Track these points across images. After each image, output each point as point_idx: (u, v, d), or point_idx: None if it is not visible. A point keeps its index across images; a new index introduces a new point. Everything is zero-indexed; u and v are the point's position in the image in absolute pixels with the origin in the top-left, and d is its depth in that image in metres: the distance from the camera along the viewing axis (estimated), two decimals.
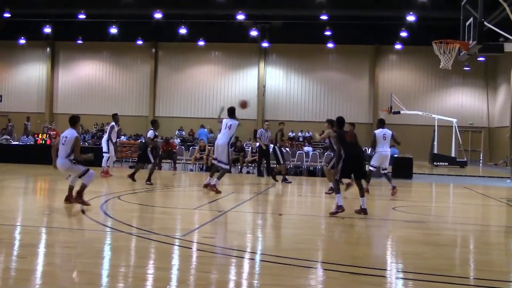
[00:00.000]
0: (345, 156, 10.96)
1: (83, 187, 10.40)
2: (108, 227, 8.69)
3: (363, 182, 12.42)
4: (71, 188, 10.71)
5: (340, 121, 11.72)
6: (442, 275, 6.11)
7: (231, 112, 14.46)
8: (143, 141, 15.49)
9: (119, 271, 6.12)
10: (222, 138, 14.09)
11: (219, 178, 13.95)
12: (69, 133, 10.51)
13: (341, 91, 40.99)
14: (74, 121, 10.70)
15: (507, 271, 6.97)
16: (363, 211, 10.72)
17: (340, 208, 10.49)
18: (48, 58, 43.31)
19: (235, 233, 8.94)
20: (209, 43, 40.98)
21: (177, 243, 7.55)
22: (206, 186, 14.38)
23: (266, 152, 19.72)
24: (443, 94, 40.71)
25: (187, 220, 10.31)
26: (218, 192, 13.61)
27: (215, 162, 14.38)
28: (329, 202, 12.77)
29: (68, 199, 10.61)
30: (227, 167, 14.10)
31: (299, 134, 39.55)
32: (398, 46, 39.06)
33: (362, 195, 10.90)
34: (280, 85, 41.71)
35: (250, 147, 25.08)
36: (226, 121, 14.25)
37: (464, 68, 37.80)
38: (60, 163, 10.49)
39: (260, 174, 20.82)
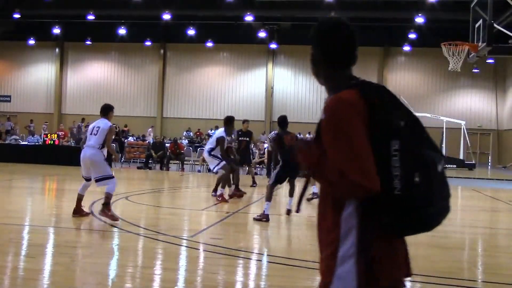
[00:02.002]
0: (281, 163, 10.46)
1: (109, 197, 9.08)
2: (116, 227, 8.71)
3: None
4: (80, 198, 9.47)
5: (282, 121, 11.15)
6: (450, 277, 6.09)
7: (225, 122, 13.41)
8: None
9: (127, 271, 6.14)
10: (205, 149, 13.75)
11: (222, 185, 13.11)
12: (102, 123, 9.44)
13: None
14: (106, 110, 9.62)
15: None
16: (288, 211, 10.48)
17: (264, 217, 9.90)
18: (57, 59, 43.46)
19: (242, 234, 8.95)
20: (218, 44, 41.01)
21: (184, 244, 7.56)
22: (230, 196, 13.40)
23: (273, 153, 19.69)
24: (451, 96, 40.56)
25: (195, 221, 10.32)
26: (225, 200, 12.77)
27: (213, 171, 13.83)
28: None
29: (78, 212, 9.42)
30: (218, 167, 12.97)
31: (307, 135, 39.49)
32: (406, 48, 38.97)
33: (291, 195, 10.78)
34: (288, 87, 41.68)
35: (258, 149, 25.06)
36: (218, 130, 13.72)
37: (473, 70, 37.65)
38: (90, 154, 9.18)
39: (269, 175, 20.84)
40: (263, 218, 9.87)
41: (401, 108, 2.28)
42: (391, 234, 2.20)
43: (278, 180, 10.52)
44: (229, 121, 13.17)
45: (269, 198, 10.08)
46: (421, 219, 2.17)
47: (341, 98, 2.21)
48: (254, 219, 9.98)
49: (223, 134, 12.90)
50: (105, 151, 9.43)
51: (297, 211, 2.61)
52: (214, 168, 13.21)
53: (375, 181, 2.08)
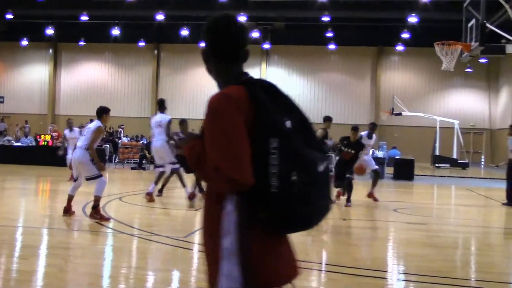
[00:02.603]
0: None
1: (97, 199, 9.23)
2: (110, 228, 8.69)
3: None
4: (70, 198, 9.54)
5: None
6: (445, 277, 6.10)
7: (160, 105, 12.74)
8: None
9: (120, 272, 6.12)
10: (158, 140, 12.50)
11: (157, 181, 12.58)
12: (92, 124, 9.56)
13: (343, 92, 40.95)
14: (99, 113, 9.57)
15: (509, 272, 6.97)
16: None
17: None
18: (51, 60, 43.32)
19: None
20: None
21: (178, 245, 7.55)
22: (191, 196, 12.36)
23: None
24: (445, 95, 40.66)
25: (188, 221, 10.31)
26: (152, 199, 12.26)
27: (161, 169, 12.78)
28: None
29: (67, 211, 9.51)
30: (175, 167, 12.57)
31: None
32: (400, 48, 39.02)
33: None
34: (282, 86, 41.38)
35: None
36: (156, 118, 12.61)
37: (466, 70, 37.75)
38: (77, 155, 9.31)
39: None
40: None
41: (289, 108, 2.31)
42: (271, 231, 2.22)
43: None
44: (161, 103, 12.75)
45: None
46: (298, 217, 2.19)
47: (224, 94, 2.25)
48: None
49: (169, 116, 12.44)
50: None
51: (191, 196, 2.66)
52: (170, 164, 12.65)
53: (248, 176, 2.10)
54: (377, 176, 13.77)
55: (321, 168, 2.22)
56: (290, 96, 2.37)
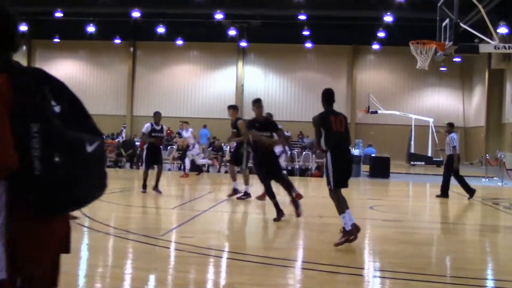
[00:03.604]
0: (333, 156, 7.33)
1: None
2: (86, 227, 8.61)
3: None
4: None
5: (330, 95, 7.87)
6: (419, 273, 6.17)
7: None
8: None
9: (96, 271, 6.08)
10: None
11: None
12: None
13: (319, 91, 40.30)
14: None
15: (481, 268, 7.07)
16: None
17: (347, 235, 7.46)
18: (25, 57, 42.77)
19: (213, 233, 8.94)
20: (188, 42, 40.84)
21: (155, 243, 7.52)
22: None
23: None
24: (420, 94, 41.10)
25: (165, 220, 10.27)
26: None
27: None
28: (303, 202, 12.69)
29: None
30: None
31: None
32: (375, 46, 39.33)
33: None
34: (258, 85, 41.73)
35: (228, 147, 25.04)
36: None
37: (441, 69, 38.20)
38: None
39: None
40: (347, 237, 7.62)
41: (59, 94, 2.39)
42: (42, 213, 2.28)
43: (339, 183, 7.90)
44: None
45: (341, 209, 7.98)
46: (65, 198, 2.28)
47: None
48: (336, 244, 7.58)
49: None
50: None
51: None
52: None
53: (11, 160, 2.15)
54: None
55: (89, 148, 2.32)
56: (64, 83, 2.46)
